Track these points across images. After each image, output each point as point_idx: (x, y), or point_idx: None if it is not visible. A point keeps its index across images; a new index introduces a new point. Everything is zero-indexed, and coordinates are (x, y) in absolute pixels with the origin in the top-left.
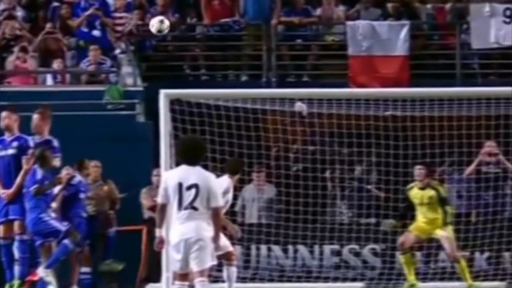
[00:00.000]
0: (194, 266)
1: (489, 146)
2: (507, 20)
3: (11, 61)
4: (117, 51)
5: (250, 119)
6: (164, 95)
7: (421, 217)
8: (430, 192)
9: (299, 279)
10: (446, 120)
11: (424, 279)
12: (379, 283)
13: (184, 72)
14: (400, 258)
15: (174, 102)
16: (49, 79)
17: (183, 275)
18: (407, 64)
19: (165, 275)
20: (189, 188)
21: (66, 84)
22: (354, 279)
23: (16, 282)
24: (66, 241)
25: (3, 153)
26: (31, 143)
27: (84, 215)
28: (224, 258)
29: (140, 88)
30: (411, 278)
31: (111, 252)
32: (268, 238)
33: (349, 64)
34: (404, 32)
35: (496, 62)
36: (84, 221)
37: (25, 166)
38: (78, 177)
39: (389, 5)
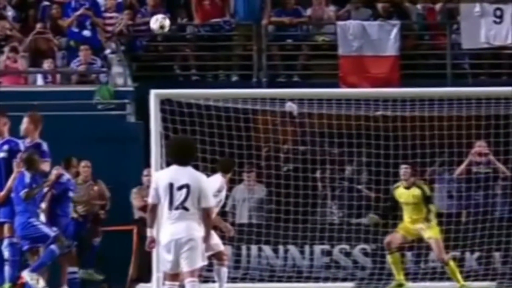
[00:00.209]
0: (184, 266)
1: (480, 146)
2: (497, 20)
3: (1, 61)
4: (108, 51)
5: (240, 119)
6: (154, 95)
7: (407, 217)
8: (416, 191)
9: (289, 279)
10: (437, 120)
11: (414, 279)
12: (369, 283)
13: (174, 72)
14: (388, 257)
15: (164, 102)
16: (40, 79)
17: (174, 275)
18: (398, 64)
19: (156, 275)
20: (180, 188)
21: (57, 84)
22: (344, 279)
23: (7, 285)
24: (53, 246)
25: None
26: (22, 147)
27: (72, 215)
28: (216, 258)
29: (131, 88)
30: (400, 277)
31: (93, 261)
32: (258, 238)
33: (339, 64)
34: (394, 32)
35: (486, 62)
36: (72, 222)
37: (15, 170)
38: (67, 175)
39: (379, 5)
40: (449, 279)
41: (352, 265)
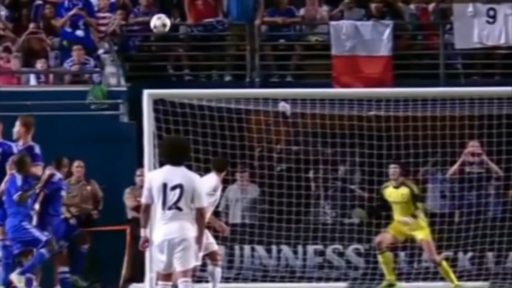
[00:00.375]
0: (177, 266)
1: (473, 146)
2: (490, 20)
3: None
4: (101, 51)
5: (233, 119)
6: (147, 95)
7: (397, 216)
8: (404, 191)
9: (282, 279)
10: (430, 120)
11: (407, 279)
12: (362, 283)
13: (167, 72)
14: (379, 257)
15: (157, 102)
16: (33, 79)
17: (167, 275)
18: (391, 64)
19: (149, 275)
20: (173, 188)
21: (50, 84)
22: (337, 279)
23: None
24: (43, 250)
25: None
26: (15, 149)
27: (65, 215)
28: (209, 258)
29: (124, 88)
30: (390, 277)
31: (79, 268)
32: (251, 238)
33: (332, 64)
34: (387, 32)
35: (479, 62)
36: (64, 223)
37: (8, 172)
38: (58, 175)
39: (372, 5)
40: (442, 279)
41: (345, 265)
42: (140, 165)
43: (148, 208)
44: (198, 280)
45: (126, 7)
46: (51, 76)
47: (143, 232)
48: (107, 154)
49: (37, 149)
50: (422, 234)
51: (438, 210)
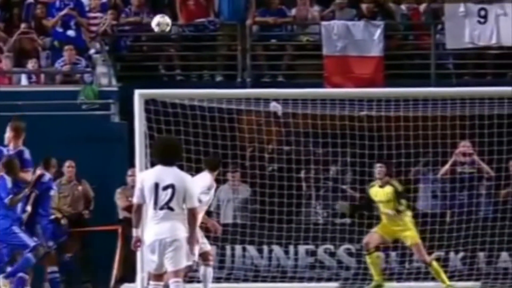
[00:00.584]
0: (169, 266)
1: (464, 146)
2: (482, 20)
3: None
4: (92, 51)
5: (225, 119)
6: (139, 95)
7: (383, 216)
8: (389, 189)
9: (274, 279)
10: (421, 120)
11: (399, 279)
12: (354, 283)
13: (159, 72)
14: (366, 258)
15: (149, 102)
16: (24, 79)
17: (158, 276)
18: (382, 65)
19: (140, 275)
20: (165, 188)
21: (41, 84)
22: (329, 279)
23: None
24: (29, 255)
25: None
26: (5, 153)
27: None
28: (201, 258)
29: (115, 88)
30: (378, 278)
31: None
32: (243, 238)
33: (324, 64)
34: (378, 33)
35: (470, 62)
36: (52, 223)
37: None
38: (48, 175)
39: (364, 6)
40: (433, 279)
41: (337, 265)
42: (132, 165)
43: (140, 208)
44: (190, 280)
45: (117, 7)
46: (42, 76)
47: (135, 232)
48: (98, 154)
49: (27, 154)
50: (411, 239)
51: (430, 210)
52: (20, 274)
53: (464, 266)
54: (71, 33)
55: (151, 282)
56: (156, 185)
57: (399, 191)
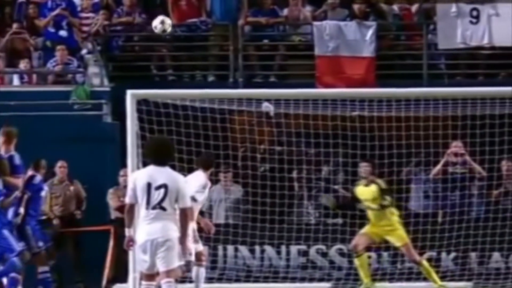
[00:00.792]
0: (160, 266)
1: (456, 146)
2: (474, 20)
3: None
4: (84, 51)
5: (217, 119)
6: (131, 95)
7: (370, 214)
8: (373, 188)
9: (266, 279)
10: (413, 120)
11: (391, 279)
12: (346, 284)
13: (151, 72)
14: (355, 261)
15: (141, 102)
16: (16, 79)
17: (150, 276)
18: (374, 65)
19: (132, 275)
20: (158, 188)
21: (33, 84)
22: (321, 279)
23: None
24: (15, 259)
25: None
26: None
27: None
28: (194, 258)
29: (107, 88)
30: (367, 280)
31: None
32: (235, 238)
33: (316, 64)
34: (370, 33)
35: (462, 63)
36: (41, 224)
37: None
38: (39, 177)
39: (356, 6)
40: (425, 279)
41: (329, 265)
42: (124, 165)
43: (132, 208)
44: (182, 280)
45: (109, 7)
46: (34, 76)
47: (127, 232)
48: (90, 154)
49: (18, 160)
50: (400, 239)
51: (422, 210)
52: (13, 275)
53: (456, 266)
54: (63, 33)
55: (143, 282)
56: (149, 185)
57: (383, 188)
